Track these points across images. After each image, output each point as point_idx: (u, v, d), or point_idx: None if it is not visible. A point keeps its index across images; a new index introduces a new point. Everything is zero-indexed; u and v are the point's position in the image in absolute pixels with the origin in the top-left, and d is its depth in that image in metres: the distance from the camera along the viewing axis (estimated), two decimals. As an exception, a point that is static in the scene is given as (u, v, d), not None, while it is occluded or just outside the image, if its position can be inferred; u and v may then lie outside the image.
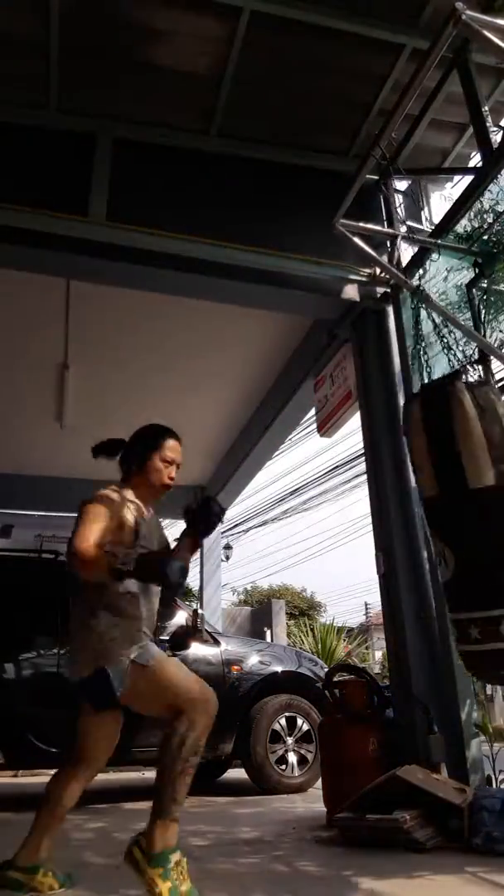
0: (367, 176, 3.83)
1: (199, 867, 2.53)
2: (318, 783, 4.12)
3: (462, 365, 2.94)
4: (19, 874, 2.16)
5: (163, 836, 2.01)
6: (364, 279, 4.34)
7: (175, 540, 2.54)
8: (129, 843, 2.05)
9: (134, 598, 2.28)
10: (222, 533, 10.38)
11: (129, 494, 2.37)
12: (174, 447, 2.50)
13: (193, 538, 2.50)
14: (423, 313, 3.82)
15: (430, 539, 2.74)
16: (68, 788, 2.27)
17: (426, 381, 3.86)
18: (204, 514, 2.46)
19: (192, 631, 4.75)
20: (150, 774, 6.43)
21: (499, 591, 2.40)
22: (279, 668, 5.09)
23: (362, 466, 6.92)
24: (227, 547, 14.20)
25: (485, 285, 3.41)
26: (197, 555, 10.04)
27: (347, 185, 3.79)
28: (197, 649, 4.76)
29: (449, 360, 3.15)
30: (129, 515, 2.29)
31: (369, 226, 3.96)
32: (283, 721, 4.86)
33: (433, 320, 3.38)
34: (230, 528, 15.52)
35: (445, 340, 3.20)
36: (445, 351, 3.18)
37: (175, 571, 2.01)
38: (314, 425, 5.36)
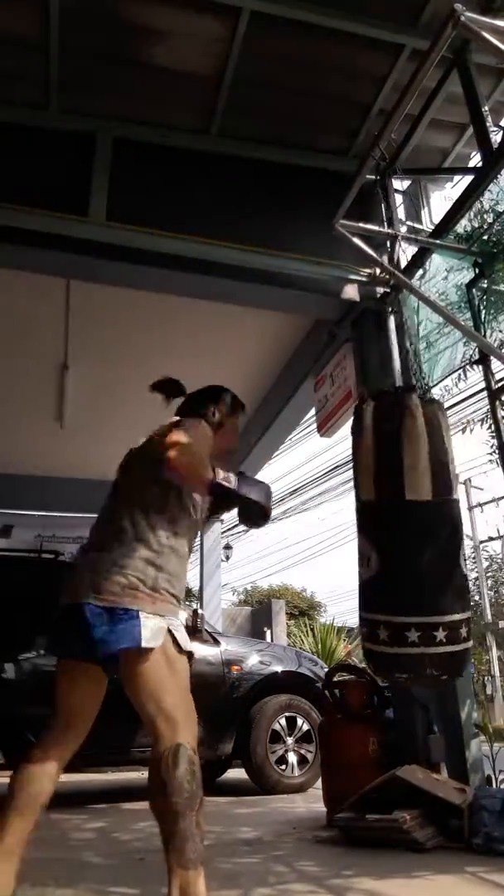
0: (367, 176, 3.83)
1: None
2: (318, 783, 4.12)
3: (417, 381, 3.10)
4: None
5: (201, 887, 1.63)
6: (364, 279, 4.33)
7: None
8: None
9: (192, 530, 2.01)
10: (222, 533, 10.37)
11: None
12: (238, 423, 2.31)
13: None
14: (424, 313, 3.82)
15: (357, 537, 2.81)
16: (40, 770, 1.81)
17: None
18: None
19: (192, 631, 4.75)
20: (150, 774, 6.44)
21: (416, 600, 2.56)
22: (279, 668, 5.09)
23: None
24: (227, 547, 14.19)
25: (485, 285, 3.41)
26: (197, 555, 10.05)
27: (347, 185, 3.79)
28: (197, 649, 4.72)
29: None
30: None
31: (369, 226, 3.96)
32: (283, 721, 4.85)
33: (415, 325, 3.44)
34: (230, 528, 15.51)
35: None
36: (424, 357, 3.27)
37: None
38: (314, 425, 5.36)
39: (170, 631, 1.79)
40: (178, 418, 2.07)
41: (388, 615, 2.56)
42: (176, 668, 1.78)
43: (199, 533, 2.11)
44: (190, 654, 1.87)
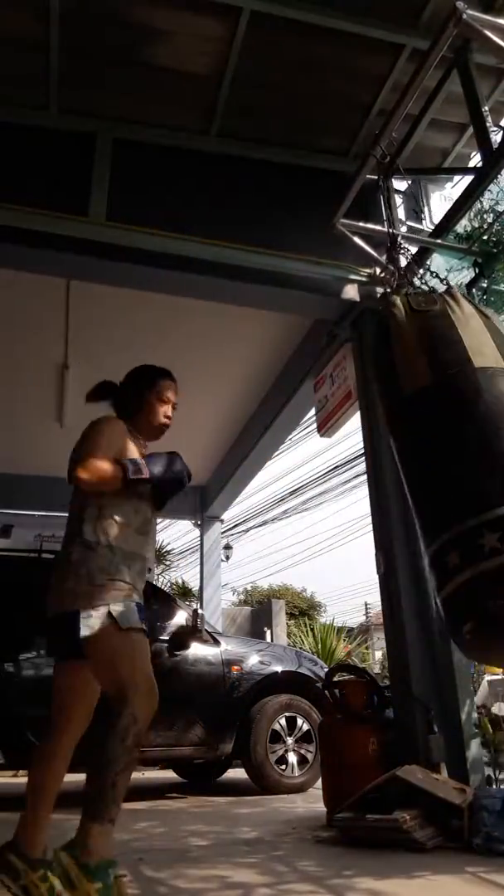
0: (367, 176, 3.83)
1: (200, 867, 2.53)
2: (318, 783, 4.12)
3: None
4: (20, 862, 1.92)
5: (104, 843, 1.74)
6: (364, 279, 4.33)
7: None
8: (56, 850, 1.77)
9: (143, 522, 2.23)
10: (222, 533, 10.37)
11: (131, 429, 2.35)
12: (171, 386, 2.47)
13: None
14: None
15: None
16: (50, 769, 2.12)
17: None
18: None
19: (192, 631, 4.75)
20: (149, 774, 6.45)
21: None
22: (279, 668, 5.08)
23: (362, 466, 6.92)
24: (227, 547, 14.19)
25: (485, 285, 3.41)
26: (196, 554, 10.03)
27: (347, 185, 3.79)
28: (197, 649, 4.76)
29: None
30: (132, 445, 2.28)
31: (369, 226, 3.96)
32: (283, 721, 4.85)
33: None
34: (230, 528, 15.52)
35: None
36: None
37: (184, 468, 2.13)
38: (314, 425, 5.36)
39: (110, 614, 1.98)
40: (89, 425, 2.30)
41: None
42: (115, 644, 1.97)
43: (147, 508, 2.29)
44: (141, 630, 2.04)
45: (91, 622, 1.97)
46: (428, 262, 3.87)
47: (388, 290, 2.95)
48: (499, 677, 5.69)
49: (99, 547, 2.11)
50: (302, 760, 4.86)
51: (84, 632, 1.95)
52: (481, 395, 2.32)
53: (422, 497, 2.48)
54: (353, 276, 4.33)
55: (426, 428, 2.43)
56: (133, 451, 2.25)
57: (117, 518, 2.17)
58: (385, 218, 4.20)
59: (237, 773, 5.28)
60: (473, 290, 3.44)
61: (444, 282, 2.95)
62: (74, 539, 2.16)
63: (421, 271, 3.88)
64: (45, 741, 2.14)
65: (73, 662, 2.10)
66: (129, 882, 2.09)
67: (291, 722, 4.88)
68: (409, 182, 4.46)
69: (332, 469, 14.86)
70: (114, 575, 2.07)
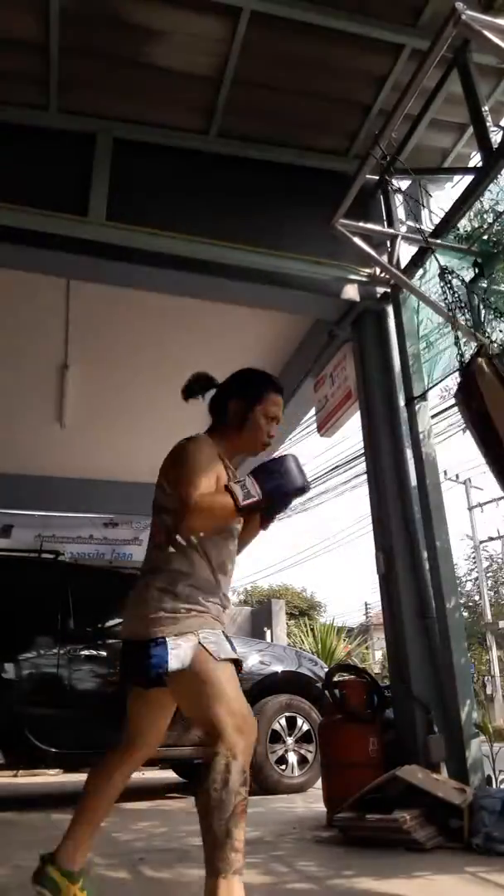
0: (367, 176, 3.83)
1: (200, 867, 2.53)
2: (318, 783, 4.12)
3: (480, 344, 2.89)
4: (59, 875, 1.83)
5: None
6: (364, 279, 4.34)
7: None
8: None
9: (227, 558, 1.97)
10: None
11: (220, 450, 2.06)
12: (278, 402, 2.14)
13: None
14: (424, 313, 3.82)
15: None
16: (112, 778, 1.95)
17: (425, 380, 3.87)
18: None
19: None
20: (149, 774, 6.45)
21: None
22: (279, 668, 5.09)
23: (362, 466, 6.92)
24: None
25: (485, 285, 3.41)
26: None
27: (347, 185, 3.79)
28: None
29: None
30: (223, 473, 1.98)
31: (369, 226, 3.97)
32: (283, 721, 4.85)
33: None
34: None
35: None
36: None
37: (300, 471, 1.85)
38: (314, 425, 5.36)
39: (201, 644, 1.79)
40: (179, 447, 2.03)
41: None
42: (211, 678, 1.76)
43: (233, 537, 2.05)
44: (236, 661, 1.85)
45: (180, 652, 1.76)
46: (428, 262, 3.87)
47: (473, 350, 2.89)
48: None
49: (183, 580, 1.88)
50: (302, 760, 4.86)
51: (173, 664, 1.74)
52: None
53: None
54: (352, 276, 4.33)
55: None
56: (223, 477, 1.97)
57: (206, 551, 1.93)
58: (384, 218, 4.21)
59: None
60: (473, 290, 3.44)
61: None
62: (158, 566, 1.92)
63: (420, 272, 3.89)
64: (115, 752, 1.98)
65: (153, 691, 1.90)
66: (129, 882, 2.09)
67: (291, 722, 4.88)
68: (409, 182, 4.46)
69: (332, 469, 14.86)
70: (197, 606, 1.87)
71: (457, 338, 3.00)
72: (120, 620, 4.86)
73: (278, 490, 1.88)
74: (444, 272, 3.13)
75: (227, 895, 1.54)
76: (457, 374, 2.88)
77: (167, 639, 1.77)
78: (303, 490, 1.95)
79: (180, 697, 1.84)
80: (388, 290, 4.30)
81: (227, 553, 2.00)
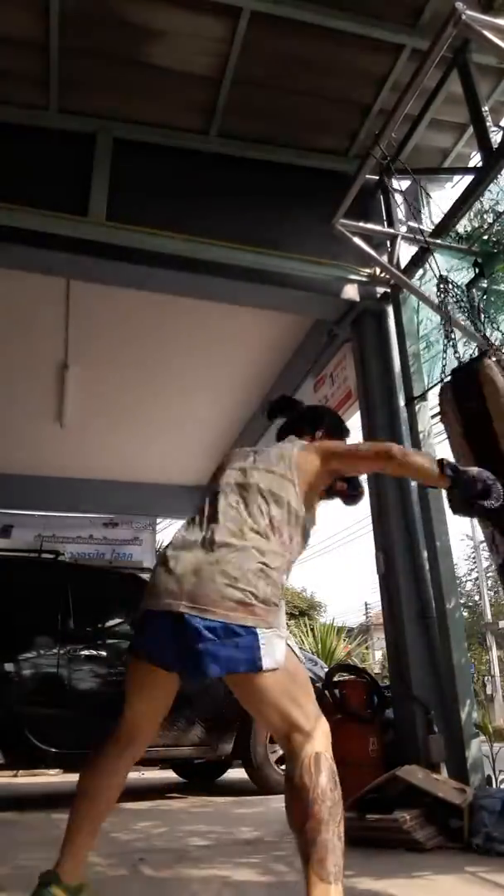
0: (367, 176, 3.83)
1: (200, 867, 2.53)
2: (318, 783, 4.11)
3: (489, 345, 2.88)
4: (60, 892, 1.69)
5: None
6: (364, 279, 4.34)
7: None
8: None
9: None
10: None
11: None
12: None
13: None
14: (424, 313, 3.82)
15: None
16: (108, 774, 1.81)
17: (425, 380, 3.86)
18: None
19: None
20: (149, 775, 6.45)
21: None
22: (279, 668, 5.08)
23: (362, 466, 6.89)
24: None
25: (485, 285, 3.41)
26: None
27: (347, 185, 3.79)
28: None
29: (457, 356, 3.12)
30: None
31: (369, 226, 3.97)
32: (283, 721, 4.84)
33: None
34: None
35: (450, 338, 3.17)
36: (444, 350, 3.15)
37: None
38: (314, 425, 5.35)
39: (288, 644, 1.72)
40: (320, 442, 2.11)
41: None
42: (298, 678, 1.71)
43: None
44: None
45: (274, 650, 1.64)
46: (428, 262, 3.87)
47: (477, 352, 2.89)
48: None
49: (278, 564, 1.77)
50: (302, 760, 4.85)
51: (266, 660, 1.61)
52: None
53: None
54: (352, 276, 4.33)
55: None
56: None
57: (293, 543, 1.87)
58: (384, 218, 4.21)
59: (237, 773, 5.29)
60: (473, 290, 3.44)
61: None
62: (255, 545, 1.74)
63: (420, 272, 3.89)
64: (108, 744, 1.82)
65: (159, 685, 1.79)
66: (129, 882, 2.09)
67: (291, 722, 4.87)
68: (409, 182, 4.46)
69: (332, 469, 14.80)
70: (279, 598, 1.76)
71: (449, 337, 2.99)
72: (119, 621, 4.89)
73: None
74: (442, 281, 3.13)
75: None
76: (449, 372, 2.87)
77: (258, 630, 1.64)
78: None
79: (263, 696, 1.67)
80: (388, 290, 4.30)
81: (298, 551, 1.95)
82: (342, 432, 2.32)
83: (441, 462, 1.85)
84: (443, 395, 2.81)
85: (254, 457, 2.03)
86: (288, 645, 1.72)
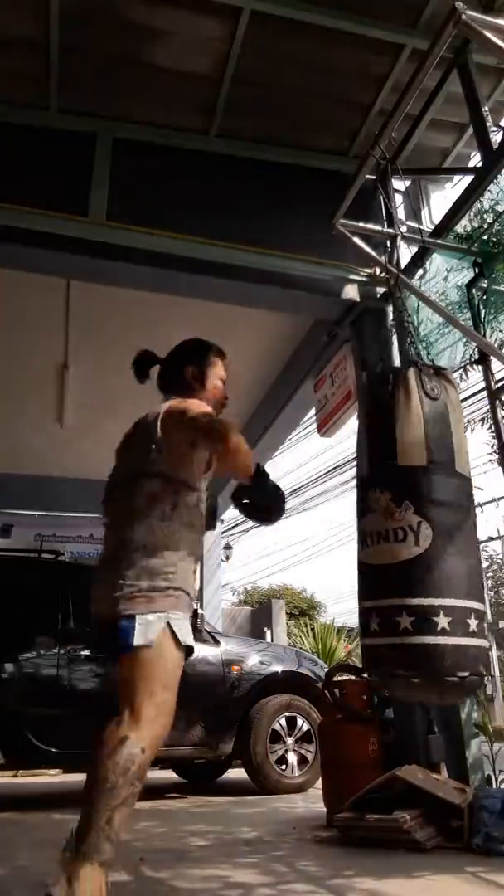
0: (367, 176, 3.83)
1: (200, 867, 2.53)
2: (318, 783, 4.12)
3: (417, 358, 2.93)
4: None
5: (92, 888, 1.51)
6: (364, 279, 4.34)
7: None
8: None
9: (200, 530, 2.02)
10: (222, 533, 10.36)
11: None
12: (226, 364, 2.32)
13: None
14: (424, 313, 3.82)
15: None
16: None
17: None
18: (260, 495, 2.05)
19: (192, 631, 4.74)
20: (149, 774, 6.44)
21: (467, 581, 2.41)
22: (279, 668, 5.08)
23: (362, 466, 6.90)
24: (227, 547, 14.19)
25: (485, 285, 3.41)
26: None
27: (347, 186, 3.79)
28: (197, 649, 4.73)
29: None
30: None
31: (369, 226, 3.96)
32: (283, 721, 4.85)
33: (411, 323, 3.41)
34: (230, 528, 15.52)
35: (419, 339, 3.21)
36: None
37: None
38: (314, 425, 5.36)
39: (169, 625, 1.80)
40: (175, 401, 2.05)
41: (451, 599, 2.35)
42: (162, 663, 1.79)
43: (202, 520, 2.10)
44: (189, 649, 1.89)
45: (147, 630, 1.77)
46: (428, 262, 3.87)
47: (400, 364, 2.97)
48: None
49: (164, 550, 1.88)
50: (302, 760, 4.86)
51: (137, 640, 1.75)
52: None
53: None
54: (352, 276, 4.33)
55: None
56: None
57: (186, 518, 1.95)
58: (384, 218, 4.20)
59: (237, 773, 5.29)
60: (473, 290, 3.44)
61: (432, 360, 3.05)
62: (133, 537, 1.87)
63: (420, 272, 3.89)
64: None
65: None
66: (129, 882, 2.09)
67: (291, 722, 4.88)
68: (409, 182, 4.46)
69: (332, 469, 14.85)
70: (175, 582, 1.86)
71: (415, 355, 3.02)
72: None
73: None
74: (399, 315, 3.20)
75: (87, 881, 1.51)
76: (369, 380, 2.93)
77: (136, 615, 1.78)
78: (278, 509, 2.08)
79: (125, 674, 1.79)
80: (388, 290, 4.29)
81: (201, 521, 2.04)
82: (201, 361, 2.23)
83: (258, 465, 1.96)
84: (363, 390, 2.89)
85: None
86: (172, 630, 1.81)
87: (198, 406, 1.97)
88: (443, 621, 2.30)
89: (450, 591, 2.35)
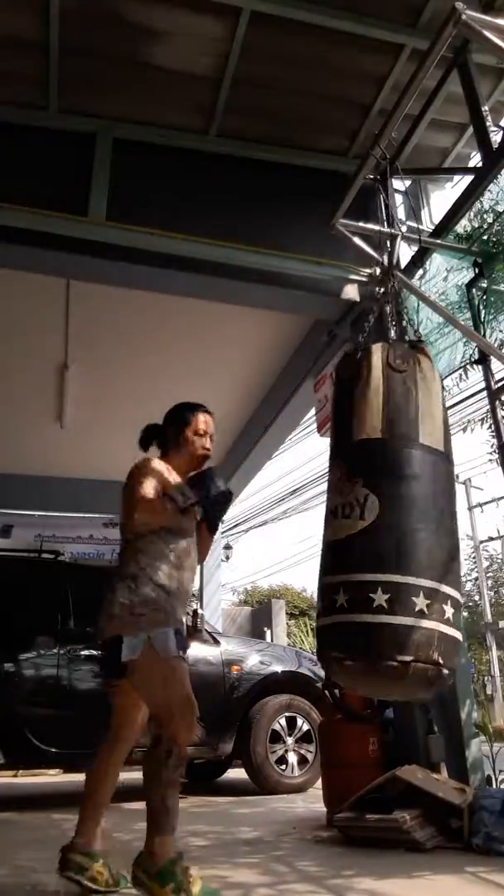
0: (367, 176, 3.83)
1: (200, 867, 2.53)
2: (318, 783, 4.12)
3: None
4: (81, 857, 2.19)
5: (166, 849, 2.04)
6: (364, 279, 4.33)
7: None
8: (134, 868, 2.05)
9: (182, 555, 2.38)
10: (222, 533, 10.36)
11: (174, 469, 2.51)
12: (206, 420, 2.62)
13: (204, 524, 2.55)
14: (424, 313, 3.82)
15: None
16: (107, 772, 2.36)
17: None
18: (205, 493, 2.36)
19: (192, 631, 4.74)
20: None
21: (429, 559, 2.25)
22: (279, 668, 5.08)
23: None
24: (227, 547, 14.19)
25: (485, 285, 3.41)
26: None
27: (347, 185, 3.79)
28: (197, 649, 4.75)
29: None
30: (173, 479, 2.44)
31: (369, 226, 3.96)
32: (283, 721, 4.85)
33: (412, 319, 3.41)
34: (230, 528, 15.52)
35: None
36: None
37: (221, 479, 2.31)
38: (314, 425, 5.35)
39: (149, 640, 2.18)
40: (131, 470, 2.43)
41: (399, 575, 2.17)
42: (155, 670, 2.20)
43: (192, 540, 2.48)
44: (179, 657, 2.25)
45: (132, 648, 2.18)
46: (428, 262, 3.87)
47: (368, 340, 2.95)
48: None
49: (142, 581, 2.29)
50: (302, 760, 4.86)
51: (125, 654, 2.18)
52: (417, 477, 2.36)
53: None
54: (352, 276, 4.33)
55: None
56: (173, 483, 2.42)
57: (158, 554, 2.34)
58: (384, 218, 4.20)
59: (237, 773, 5.28)
60: (473, 290, 3.44)
61: (416, 333, 2.96)
62: (121, 573, 2.35)
63: (420, 272, 3.89)
64: (104, 749, 2.37)
65: (125, 685, 2.31)
66: (129, 882, 2.10)
67: (291, 722, 4.88)
68: (409, 182, 4.45)
69: (332, 469, 14.82)
70: (154, 606, 2.25)
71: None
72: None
73: (208, 495, 2.32)
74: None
75: (161, 846, 2.03)
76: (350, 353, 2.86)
77: (123, 637, 2.20)
78: (224, 495, 2.40)
79: (138, 688, 2.28)
80: (388, 290, 4.29)
81: (181, 555, 2.39)
82: (179, 422, 2.59)
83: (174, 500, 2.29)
84: (337, 367, 2.88)
85: None
86: (152, 643, 2.21)
87: (137, 489, 2.32)
88: (380, 598, 2.12)
89: (393, 567, 2.18)
